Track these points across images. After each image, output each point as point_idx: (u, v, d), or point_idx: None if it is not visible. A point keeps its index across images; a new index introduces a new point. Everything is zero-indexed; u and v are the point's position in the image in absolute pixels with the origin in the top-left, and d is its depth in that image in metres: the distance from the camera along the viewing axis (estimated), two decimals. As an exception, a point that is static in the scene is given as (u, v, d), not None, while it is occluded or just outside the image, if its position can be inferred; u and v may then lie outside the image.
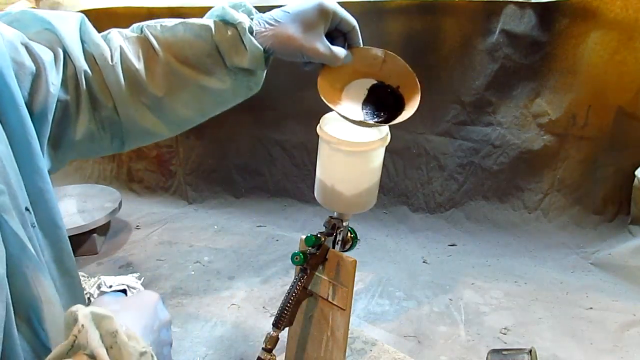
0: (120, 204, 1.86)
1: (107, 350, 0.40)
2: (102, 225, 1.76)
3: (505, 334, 1.26)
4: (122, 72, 0.61)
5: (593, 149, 1.64)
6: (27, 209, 0.49)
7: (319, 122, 0.84)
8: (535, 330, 1.27)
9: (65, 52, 0.57)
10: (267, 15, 0.67)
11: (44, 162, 0.52)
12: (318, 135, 0.82)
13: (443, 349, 1.20)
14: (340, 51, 0.70)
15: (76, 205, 1.85)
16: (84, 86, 0.59)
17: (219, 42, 0.63)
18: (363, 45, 0.75)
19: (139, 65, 0.62)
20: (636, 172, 1.57)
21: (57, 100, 0.56)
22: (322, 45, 0.66)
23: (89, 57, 0.60)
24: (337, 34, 0.72)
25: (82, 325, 0.40)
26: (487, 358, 0.96)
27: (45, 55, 0.54)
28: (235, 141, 2.08)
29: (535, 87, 1.65)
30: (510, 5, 1.57)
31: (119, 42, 0.62)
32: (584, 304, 1.38)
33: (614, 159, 1.63)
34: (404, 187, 1.94)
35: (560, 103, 1.63)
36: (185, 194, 2.20)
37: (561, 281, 1.50)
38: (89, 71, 0.59)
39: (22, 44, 0.53)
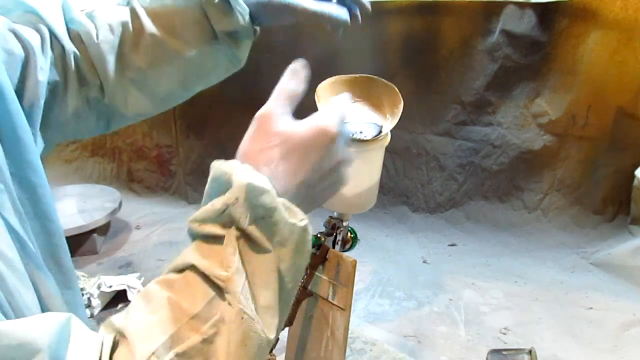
0: (120, 204, 1.86)
1: (261, 225, 0.36)
2: (102, 225, 1.76)
3: (505, 334, 1.26)
4: (108, 48, 0.60)
5: (593, 149, 1.64)
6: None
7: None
8: (535, 330, 1.27)
9: (51, 33, 0.57)
10: None
11: (37, 154, 0.51)
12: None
13: (443, 349, 1.20)
14: (334, 15, 0.64)
15: (76, 205, 1.85)
16: (73, 66, 0.58)
17: (206, 5, 0.63)
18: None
19: (124, 38, 0.61)
20: (636, 172, 1.57)
21: (47, 83, 0.55)
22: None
23: (74, 36, 0.60)
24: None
25: (237, 199, 0.36)
26: (487, 358, 0.96)
27: (34, 39, 0.53)
28: (236, 141, 2.07)
29: (535, 87, 1.65)
30: (510, 5, 1.57)
31: (103, 19, 0.61)
32: (584, 304, 1.38)
33: (614, 159, 1.63)
34: (404, 187, 1.94)
35: (560, 103, 1.63)
36: (185, 194, 2.20)
37: (561, 281, 1.50)
38: (76, 51, 0.59)
39: (10, 30, 0.52)
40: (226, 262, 0.35)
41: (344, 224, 0.89)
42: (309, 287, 0.87)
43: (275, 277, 0.36)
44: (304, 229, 0.38)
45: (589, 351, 1.19)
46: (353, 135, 0.72)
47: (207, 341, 0.33)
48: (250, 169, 0.38)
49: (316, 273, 0.87)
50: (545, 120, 1.66)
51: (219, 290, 0.35)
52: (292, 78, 0.45)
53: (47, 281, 0.49)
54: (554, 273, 1.55)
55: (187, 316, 0.34)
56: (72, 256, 0.56)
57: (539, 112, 1.67)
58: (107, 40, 0.60)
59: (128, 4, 0.64)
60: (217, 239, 0.36)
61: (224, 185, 0.37)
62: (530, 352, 0.91)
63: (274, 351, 0.81)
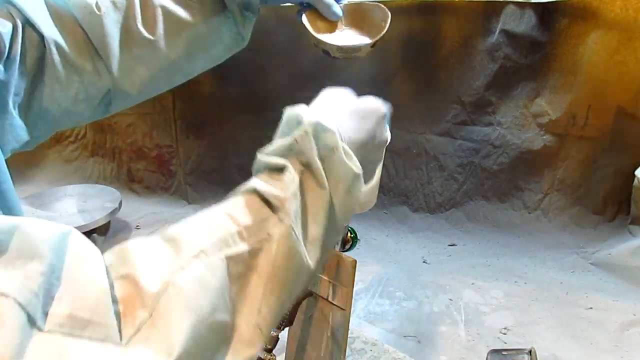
0: (120, 204, 1.86)
1: (322, 160, 0.39)
2: (102, 225, 1.76)
3: (505, 334, 1.26)
4: (112, 24, 0.58)
5: (593, 149, 1.64)
6: None
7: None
8: (535, 330, 1.27)
9: (26, 21, 0.54)
10: None
11: None
12: None
13: (443, 349, 1.20)
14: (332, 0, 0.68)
15: (76, 205, 1.85)
16: (54, 54, 0.56)
17: None
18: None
19: (129, 12, 0.60)
20: (636, 172, 1.57)
21: (21, 75, 0.53)
22: None
23: (64, 19, 0.57)
24: None
25: (305, 132, 0.39)
26: (487, 358, 0.96)
27: (4, 27, 0.52)
28: (235, 141, 2.08)
29: (535, 87, 1.65)
30: (510, 5, 1.57)
31: None
32: (584, 304, 1.38)
33: (614, 159, 1.63)
34: (404, 187, 1.94)
35: (560, 103, 1.63)
36: (185, 194, 2.20)
37: (561, 281, 1.50)
38: (59, 39, 0.56)
39: None
40: (285, 186, 0.38)
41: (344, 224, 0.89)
42: (309, 287, 0.87)
43: (326, 213, 0.39)
44: (357, 175, 0.41)
45: (589, 351, 1.19)
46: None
47: (254, 252, 0.36)
48: (320, 113, 0.42)
49: (316, 273, 0.86)
50: (545, 120, 1.66)
51: (274, 210, 0.38)
52: None
53: None
54: (554, 273, 1.55)
55: (239, 226, 0.36)
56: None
57: (539, 112, 1.67)
58: (110, 15, 0.58)
59: None
60: (281, 170, 0.39)
61: (295, 125, 0.41)
62: (530, 352, 0.91)
63: (273, 351, 0.81)
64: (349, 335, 0.86)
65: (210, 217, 0.37)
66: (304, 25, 0.67)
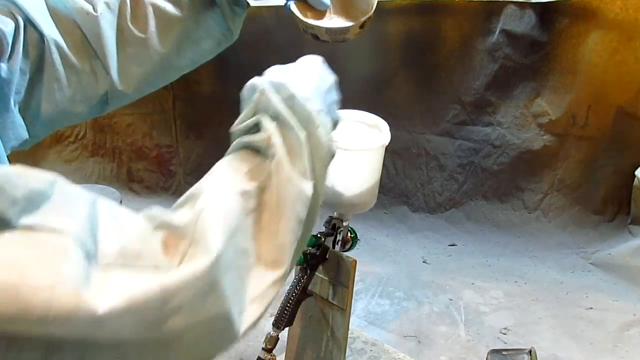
0: (120, 204, 1.85)
1: (286, 108, 0.44)
2: (102, 225, 1.76)
3: (505, 334, 1.26)
4: (107, 25, 0.59)
5: (593, 149, 1.64)
6: None
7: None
8: (535, 330, 1.27)
9: (26, 20, 0.55)
10: None
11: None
12: None
13: (443, 349, 1.20)
14: None
15: (76, 205, 1.85)
16: (54, 54, 0.56)
17: None
18: None
19: (122, 12, 0.60)
20: (636, 172, 1.57)
21: (22, 73, 0.54)
22: None
23: (63, 20, 0.58)
24: None
25: (263, 90, 0.44)
26: (487, 358, 0.96)
27: (6, 25, 0.52)
28: (235, 141, 2.08)
29: (535, 87, 1.65)
30: (510, 5, 1.57)
31: None
32: (584, 304, 1.38)
33: (614, 159, 1.63)
34: (404, 187, 1.94)
35: (560, 103, 1.63)
36: (185, 194, 2.20)
37: (561, 281, 1.50)
38: (59, 39, 0.57)
39: None
40: (265, 131, 0.43)
41: (344, 224, 0.89)
42: (309, 287, 0.87)
43: (307, 147, 0.44)
44: (321, 111, 0.46)
45: (589, 351, 1.19)
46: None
47: (260, 189, 0.42)
48: (269, 76, 0.47)
49: (316, 273, 0.87)
50: (545, 120, 1.66)
51: (265, 153, 0.43)
52: None
53: None
54: (554, 273, 1.55)
55: (242, 173, 0.42)
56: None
57: (539, 112, 1.67)
58: (105, 17, 0.59)
59: None
60: (256, 127, 0.45)
61: (252, 91, 0.46)
62: (530, 352, 0.91)
63: (273, 351, 0.81)
64: (349, 335, 0.86)
65: (214, 174, 0.43)
66: (292, 12, 0.68)
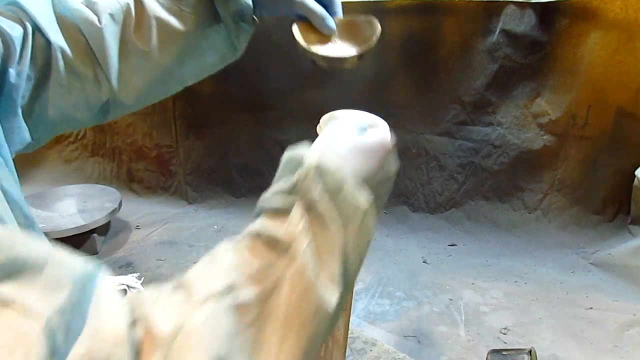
0: (120, 204, 1.85)
1: (327, 200, 0.38)
2: (102, 225, 1.76)
3: (505, 334, 1.26)
4: (111, 35, 0.60)
5: (593, 149, 1.64)
6: None
7: (318, 122, 0.83)
8: (535, 330, 1.27)
9: (34, 26, 0.55)
10: None
11: (6, 150, 0.51)
12: (318, 135, 0.82)
13: (443, 349, 1.20)
14: (326, 14, 0.69)
15: (76, 205, 1.85)
16: (59, 60, 0.57)
17: None
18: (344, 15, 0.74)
19: (126, 24, 0.61)
20: (636, 172, 1.57)
21: (28, 78, 0.54)
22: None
23: (69, 28, 0.59)
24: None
25: (307, 174, 0.38)
26: (487, 358, 0.96)
27: (14, 31, 0.53)
28: (235, 141, 2.08)
29: (535, 87, 1.65)
30: (510, 5, 1.57)
31: (104, 5, 0.60)
32: (584, 304, 1.38)
33: (614, 159, 1.63)
34: (404, 187, 1.94)
35: (560, 103, 1.63)
36: (185, 194, 2.20)
37: (561, 281, 1.50)
38: (65, 46, 0.58)
39: None
40: (293, 224, 0.36)
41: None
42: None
43: (340, 251, 0.38)
44: (367, 211, 0.40)
45: (589, 351, 1.19)
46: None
47: (264, 298, 0.34)
48: (322, 153, 0.40)
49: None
50: (545, 120, 1.66)
51: (283, 251, 0.36)
52: None
53: None
54: (554, 273, 1.55)
55: (249, 270, 0.35)
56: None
57: (539, 112, 1.67)
58: (109, 28, 0.60)
59: None
60: (284, 212, 0.38)
61: (295, 167, 0.40)
62: (530, 352, 0.91)
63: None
64: (349, 335, 0.86)
65: (218, 264, 0.36)
66: (293, 33, 0.69)
